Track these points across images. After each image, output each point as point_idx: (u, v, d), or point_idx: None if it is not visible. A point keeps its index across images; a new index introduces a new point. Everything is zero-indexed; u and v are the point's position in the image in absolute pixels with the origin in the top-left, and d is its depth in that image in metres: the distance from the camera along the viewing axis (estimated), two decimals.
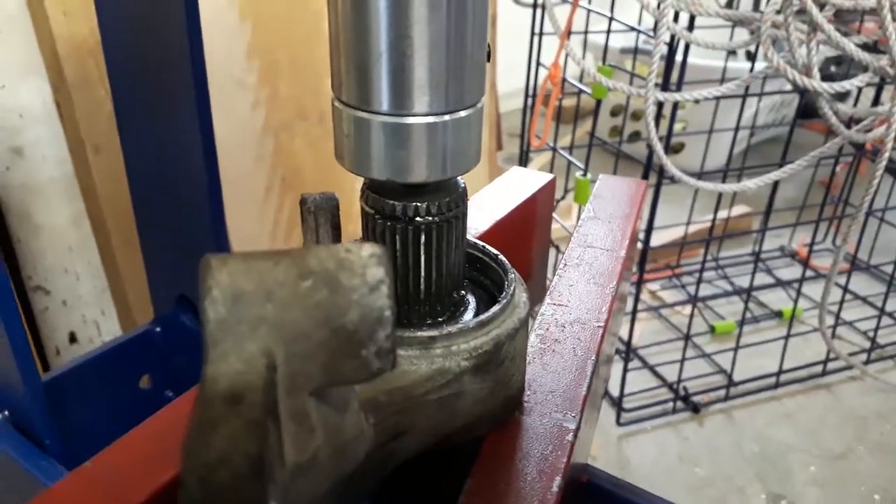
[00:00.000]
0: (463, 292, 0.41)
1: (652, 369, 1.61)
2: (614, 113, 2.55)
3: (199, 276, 0.27)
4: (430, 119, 0.33)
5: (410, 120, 0.33)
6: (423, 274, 0.38)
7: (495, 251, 0.42)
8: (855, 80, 1.01)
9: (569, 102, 2.63)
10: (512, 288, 0.39)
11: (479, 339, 0.37)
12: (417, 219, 0.37)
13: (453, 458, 0.42)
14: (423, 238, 0.37)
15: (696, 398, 1.54)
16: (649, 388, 1.57)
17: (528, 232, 0.64)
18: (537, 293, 0.69)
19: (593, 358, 0.45)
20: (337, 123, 0.36)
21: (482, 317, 0.38)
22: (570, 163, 1.48)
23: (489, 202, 0.62)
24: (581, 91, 1.42)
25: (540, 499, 0.36)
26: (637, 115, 2.45)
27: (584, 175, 1.34)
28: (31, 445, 0.64)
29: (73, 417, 0.76)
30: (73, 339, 1.37)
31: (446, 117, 0.34)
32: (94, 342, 1.39)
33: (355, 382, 0.28)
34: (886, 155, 1.02)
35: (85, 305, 1.35)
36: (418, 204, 0.36)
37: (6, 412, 0.68)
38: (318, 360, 0.27)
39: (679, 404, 1.53)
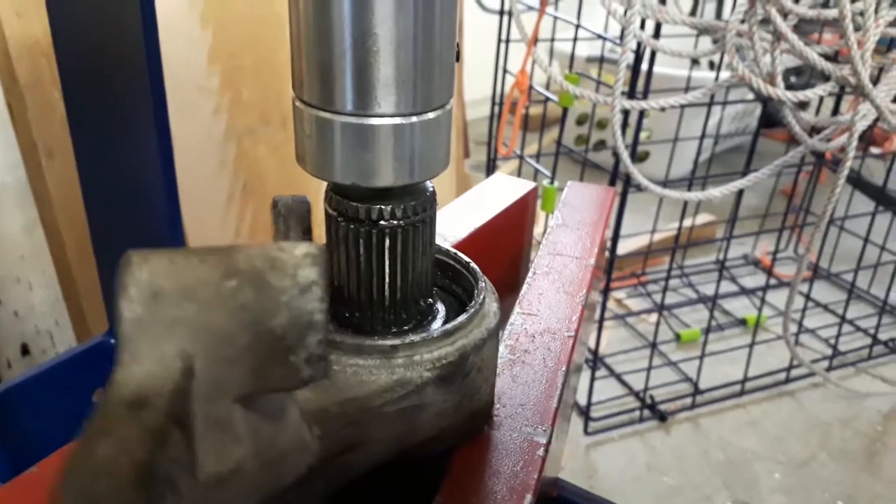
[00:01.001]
0: (431, 300, 0.40)
1: (619, 378, 1.61)
2: (580, 122, 2.56)
3: (118, 273, 0.25)
4: (397, 120, 0.32)
5: (376, 121, 0.32)
6: (387, 280, 0.37)
7: (467, 259, 0.41)
8: (817, 89, 1.02)
9: (535, 111, 2.63)
10: (481, 297, 0.38)
11: (444, 350, 0.36)
12: (382, 222, 0.35)
13: (422, 473, 0.40)
14: (387, 242, 0.35)
15: (662, 406, 1.54)
16: (616, 397, 1.56)
17: (511, 240, 0.62)
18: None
19: (564, 369, 0.43)
20: (298, 124, 0.34)
21: (447, 326, 0.36)
22: (536, 171, 1.48)
23: (470, 209, 0.60)
24: (548, 99, 1.42)
25: None
26: (603, 124, 2.46)
27: (552, 183, 1.33)
28: None
29: (24, 432, 0.72)
30: (25, 350, 1.33)
31: (414, 118, 0.32)
32: (47, 354, 1.34)
33: (284, 390, 0.27)
34: (848, 164, 1.03)
35: (38, 316, 1.31)
36: (383, 207, 0.35)
37: None
38: (244, 366, 0.25)
39: (646, 413, 1.52)
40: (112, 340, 0.83)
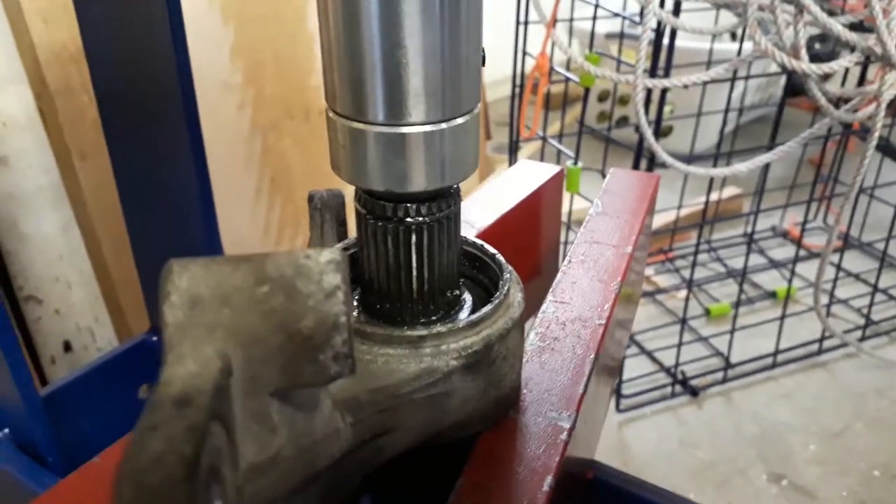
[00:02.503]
0: (458, 291, 0.41)
1: (649, 354, 1.62)
2: (602, 98, 2.55)
3: (160, 281, 0.27)
4: (427, 128, 0.33)
5: (407, 129, 0.33)
6: (415, 273, 0.38)
7: (493, 250, 0.42)
8: (842, 60, 1.00)
9: (556, 89, 2.62)
10: (506, 288, 0.39)
11: (469, 339, 0.37)
12: (409, 220, 0.36)
13: (448, 455, 0.41)
14: (414, 238, 0.37)
15: (694, 382, 1.54)
16: (647, 374, 1.57)
17: (535, 226, 0.63)
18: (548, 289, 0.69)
19: (592, 356, 0.44)
20: (332, 134, 0.35)
21: (473, 316, 0.37)
22: (559, 151, 1.48)
23: (496, 196, 0.61)
24: (568, 79, 1.41)
25: (529, 498, 0.36)
26: (624, 100, 2.44)
27: (575, 163, 1.34)
28: (33, 463, 0.63)
29: (72, 430, 0.76)
30: (67, 347, 1.37)
31: (443, 125, 0.33)
32: (88, 349, 1.38)
33: (315, 385, 0.29)
34: (876, 134, 1.02)
35: (78, 313, 1.34)
36: (409, 205, 0.36)
37: (6, 430, 0.67)
38: (277, 364, 0.27)
39: (677, 388, 1.53)
40: (154, 338, 0.86)
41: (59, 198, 1.23)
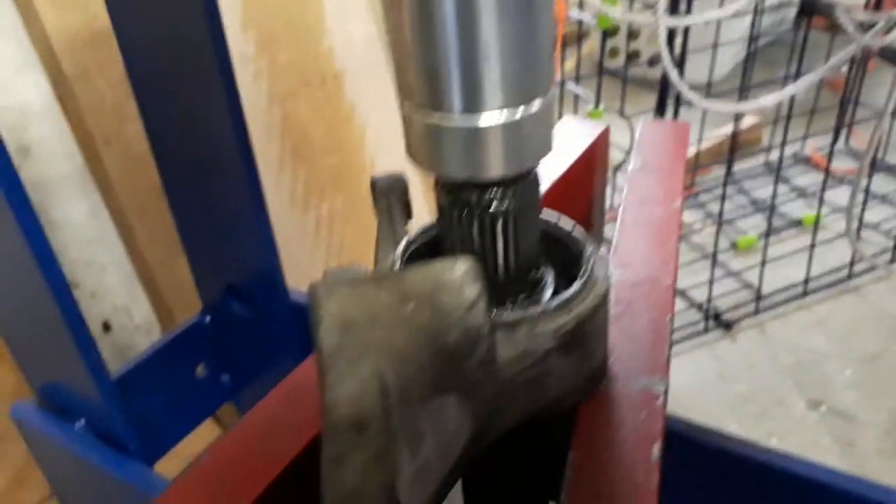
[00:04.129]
0: (540, 269, 0.41)
1: (680, 293, 1.62)
2: (611, 34, 2.50)
3: (310, 306, 0.27)
4: (506, 114, 0.33)
5: (485, 117, 0.32)
6: (500, 260, 0.38)
7: (569, 225, 0.42)
8: None
9: (569, 29, 2.57)
10: (591, 262, 0.39)
11: (562, 319, 0.37)
12: (493, 207, 0.36)
13: (547, 431, 0.42)
14: (499, 226, 0.37)
15: (726, 316, 1.55)
16: (679, 311, 1.58)
17: (587, 187, 0.63)
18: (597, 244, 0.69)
19: (668, 318, 0.45)
20: (408, 126, 0.35)
21: (563, 296, 0.38)
22: (576, 96, 1.46)
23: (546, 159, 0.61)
24: (583, 21, 1.38)
25: (644, 465, 0.37)
26: (634, 34, 2.39)
27: (597, 108, 1.32)
28: (113, 452, 0.65)
29: (140, 413, 0.77)
30: (106, 327, 1.38)
31: (521, 110, 0.33)
32: (126, 328, 1.40)
33: (460, 392, 0.29)
34: None
35: (114, 295, 1.36)
36: (493, 193, 0.36)
37: (82, 420, 0.68)
38: (426, 377, 0.28)
39: (710, 324, 1.54)
40: (207, 319, 0.87)
41: (85, 184, 1.23)
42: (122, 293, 1.37)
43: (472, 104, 0.32)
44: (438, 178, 0.37)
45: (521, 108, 0.33)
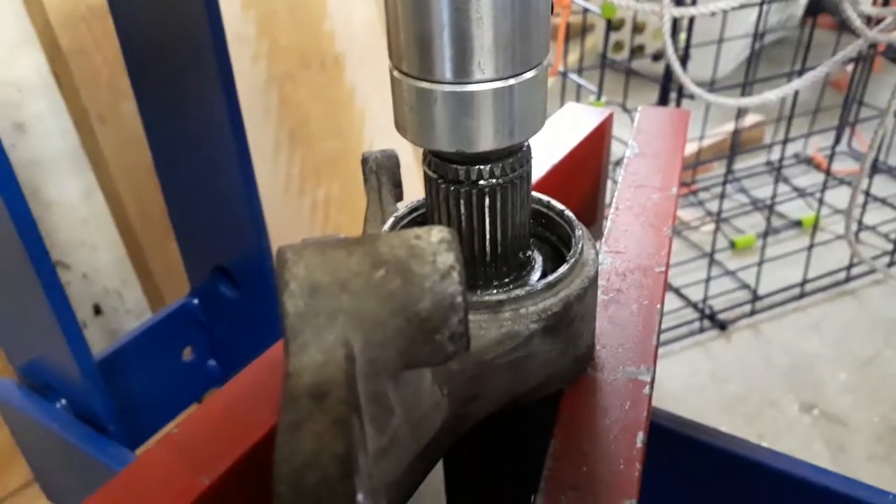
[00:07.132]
0: (529, 252, 0.40)
1: (676, 291, 1.61)
2: (616, 27, 2.48)
3: (275, 268, 0.26)
4: (498, 84, 0.31)
5: (477, 87, 0.31)
6: (488, 237, 0.37)
7: (561, 206, 0.41)
8: None
9: (573, 19, 2.55)
10: (580, 246, 0.38)
11: (548, 301, 0.36)
12: (481, 182, 0.35)
13: (530, 416, 0.41)
14: (487, 201, 0.36)
15: (721, 316, 1.54)
16: (675, 310, 1.57)
17: (589, 173, 0.62)
18: (600, 234, 0.68)
19: (658, 306, 0.44)
20: (398, 95, 0.34)
21: (550, 278, 0.36)
22: (579, 86, 1.45)
23: (547, 143, 0.59)
24: (587, 10, 1.37)
25: (626, 456, 0.36)
26: (639, 28, 2.38)
27: (598, 98, 1.31)
28: (94, 433, 0.64)
29: (123, 396, 0.76)
30: (97, 310, 1.37)
31: (513, 80, 0.32)
32: (118, 311, 1.39)
33: (431, 365, 0.28)
34: None
35: (106, 277, 1.35)
36: (482, 167, 0.35)
37: (63, 400, 0.67)
38: (395, 347, 0.27)
39: (705, 323, 1.53)
40: (195, 301, 0.86)
41: (79, 162, 1.22)
42: (114, 276, 1.35)
43: (462, 72, 0.31)
44: (427, 151, 0.36)
45: (512, 79, 0.32)
